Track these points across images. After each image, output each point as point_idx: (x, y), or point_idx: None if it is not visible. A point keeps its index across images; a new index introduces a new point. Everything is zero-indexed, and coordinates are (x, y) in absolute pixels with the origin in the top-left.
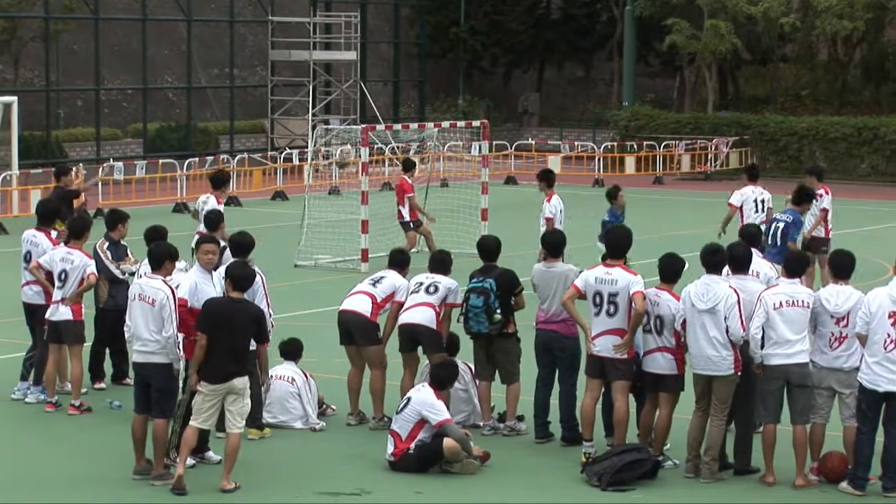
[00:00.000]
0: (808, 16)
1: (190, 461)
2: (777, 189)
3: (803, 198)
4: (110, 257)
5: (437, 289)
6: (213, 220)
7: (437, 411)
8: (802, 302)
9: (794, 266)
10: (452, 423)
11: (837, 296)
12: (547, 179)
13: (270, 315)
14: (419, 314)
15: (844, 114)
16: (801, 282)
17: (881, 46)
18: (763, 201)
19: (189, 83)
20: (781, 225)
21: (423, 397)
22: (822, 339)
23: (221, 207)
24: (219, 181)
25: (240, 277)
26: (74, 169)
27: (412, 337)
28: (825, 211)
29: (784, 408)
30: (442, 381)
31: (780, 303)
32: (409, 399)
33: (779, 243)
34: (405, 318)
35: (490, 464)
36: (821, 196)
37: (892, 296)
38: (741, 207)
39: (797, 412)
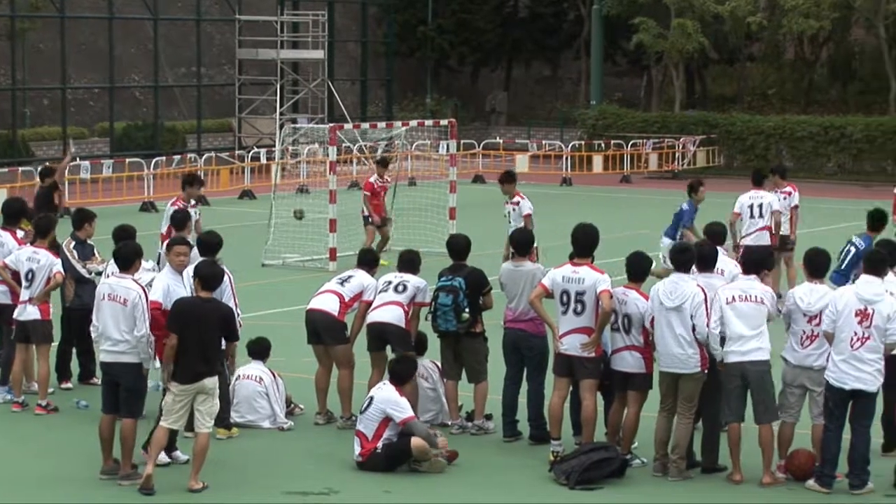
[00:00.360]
0: (775, 15)
1: (165, 459)
2: (742, 187)
3: (878, 224)
4: (77, 256)
5: (405, 288)
6: (180, 219)
7: (401, 409)
8: (756, 297)
9: (753, 262)
10: (416, 420)
11: (811, 294)
12: (509, 179)
13: (238, 315)
14: (388, 313)
15: (811, 113)
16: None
17: (847, 46)
18: (761, 206)
19: (156, 82)
20: (853, 250)
21: (386, 395)
22: (794, 337)
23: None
24: (185, 182)
25: (208, 276)
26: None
27: (381, 336)
28: (796, 208)
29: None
30: (400, 375)
31: (733, 297)
32: (371, 398)
33: (843, 266)
34: (374, 316)
35: (458, 462)
36: (790, 194)
37: (859, 294)
38: (742, 213)
39: (760, 412)
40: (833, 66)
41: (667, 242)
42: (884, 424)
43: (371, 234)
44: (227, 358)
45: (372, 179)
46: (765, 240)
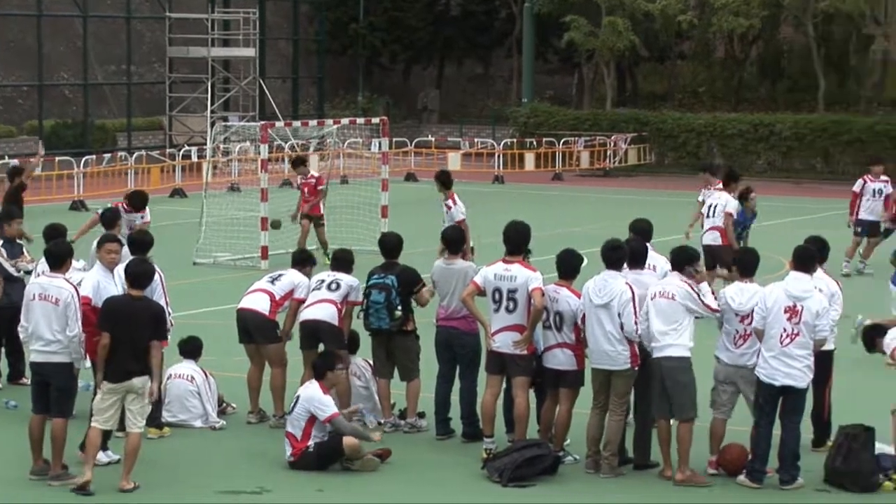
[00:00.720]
0: (705, 13)
1: (105, 459)
2: (679, 185)
3: None
4: (5, 255)
5: (338, 286)
6: (110, 218)
7: (325, 406)
8: (670, 294)
9: (677, 259)
10: (341, 418)
11: (742, 293)
12: (442, 181)
13: (170, 314)
14: (321, 311)
15: (741, 110)
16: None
17: (776, 44)
18: (715, 206)
19: (85, 80)
20: None
21: (310, 394)
22: (727, 337)
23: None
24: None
25: (139, 274)
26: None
27: (313, 334)
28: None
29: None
30: (318, 369)
31: (655, 294)
32: (297, 398)
33: None
34: (307, 314)
35: (391, 461)
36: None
37: (788, 291)
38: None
39: (675, 409)
40: (762, 65)
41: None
42: (813, 420)
43: (304, 228)
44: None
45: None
46: (712, 239)
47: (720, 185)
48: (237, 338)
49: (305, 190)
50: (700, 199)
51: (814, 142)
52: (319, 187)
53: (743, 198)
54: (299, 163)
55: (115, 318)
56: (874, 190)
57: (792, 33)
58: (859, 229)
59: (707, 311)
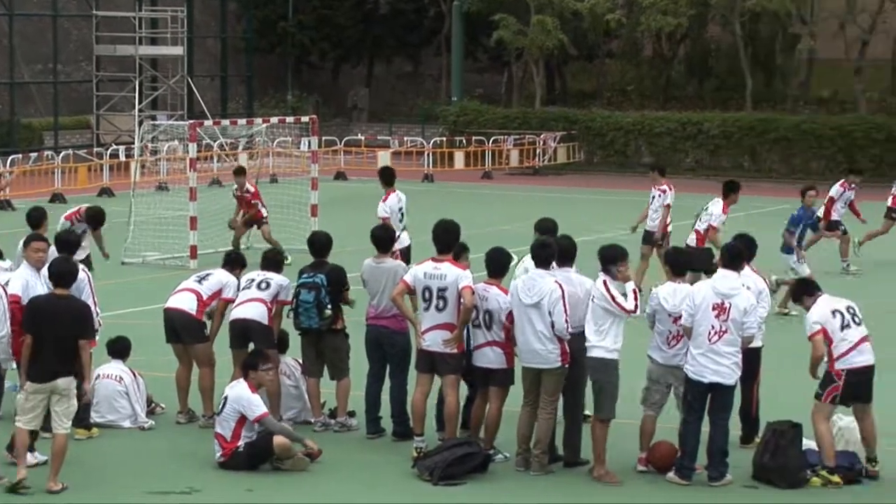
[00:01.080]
0: (633, 12)
1: (33, 460)
2: (603, 183)
3: None
4: None
5: (268, 285)
6: (36, 217)
7: (254, 406)
8: (593, 296)
9: (602, 259)
10: (270, 417)
11: (675, 294)
12: (383, 177)
13: (98, 314)
14: (251, 310)
15: (669, 109)
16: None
17: (704, 43)
18: (704, 215)
19: (11, 78)
20: None
21: (238, 393)
22: (660, 337)
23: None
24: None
25: (63, 273)
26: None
27: (243, 333)
28: (668, 207)
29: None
30: (246, 367)
31: (591, 296)
32: (226, 398)
33: None
34: (236, 313)
35: (321, 460)
36: (664, 192)
37: (716, 288)
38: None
39: (595, 406)
40: (690, 63)
41: (784, 258)
42: (742, 417)
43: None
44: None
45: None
46: (691, 240)
47: (664, 186)
48: (165, 337)
49: (240, 204)
50: (652, 196)
51: (741, 140)
52: (253, 201)
53: (803, 195)
54: (240, 172)
55: (40, 317)
56: (848, 199)
57: (719, 32)
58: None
59: (621, 313)
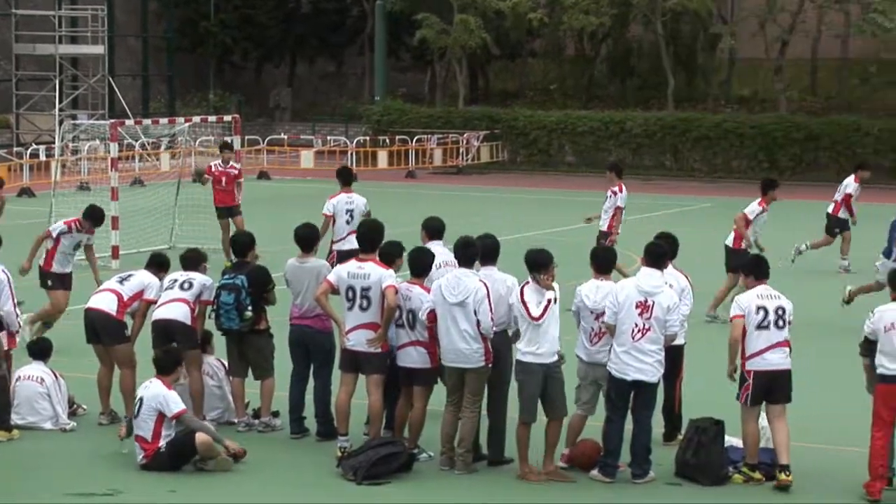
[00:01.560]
0: (556, 11)
1: None
2: (526, 182)
3: None
4: None
5: (191, 285)
6: None
7: (171, 402)
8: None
9: (528, 265)
10: (189, 413)
11: (597, 292)
12: (340, 177)
13: (18, 315)
14: (174, 310)
15: (592, 108)
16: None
17: (626, 42)
18: (607, 201)
19: None
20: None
21: (154, 392)
22: (584, 335)
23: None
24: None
25: None
26: None
27: (166, 333)
28: (620, 209)
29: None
30: (161, 365)
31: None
32: (141, 399)
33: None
34: (159, 313)
35: (245, 460)
36: (615, 193)
37: (640, 286)
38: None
39: (521, 408)
40: (612, 63)
41: (881, 262)
42: (665, 414)
43: (226, 225)
44: (4, 358)
45: (212, 164)
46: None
47: (616, 187)
48: (85, 338)
49: (223, 180)
50: (608, 196)
51: (663, 139)
52: (239, 180)
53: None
54: (226, 147)
55: None
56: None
57: (641, 32)
58: (837, 230)
59: (528, 318)
